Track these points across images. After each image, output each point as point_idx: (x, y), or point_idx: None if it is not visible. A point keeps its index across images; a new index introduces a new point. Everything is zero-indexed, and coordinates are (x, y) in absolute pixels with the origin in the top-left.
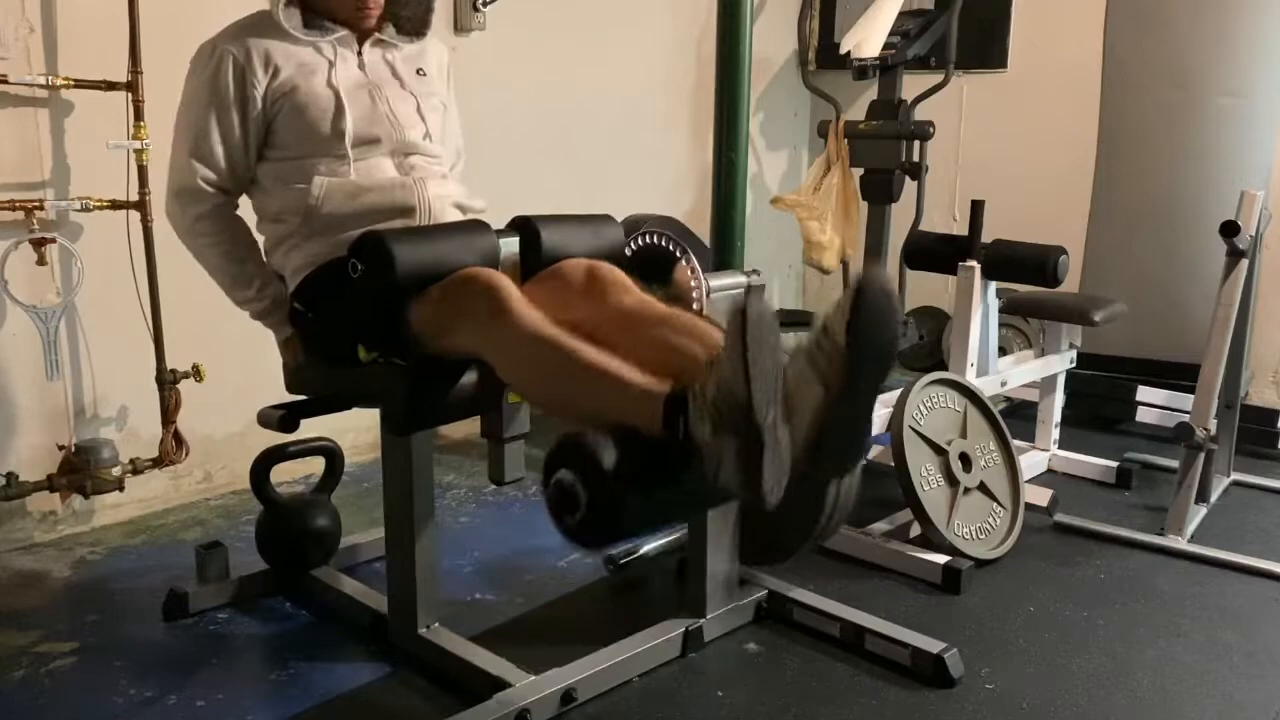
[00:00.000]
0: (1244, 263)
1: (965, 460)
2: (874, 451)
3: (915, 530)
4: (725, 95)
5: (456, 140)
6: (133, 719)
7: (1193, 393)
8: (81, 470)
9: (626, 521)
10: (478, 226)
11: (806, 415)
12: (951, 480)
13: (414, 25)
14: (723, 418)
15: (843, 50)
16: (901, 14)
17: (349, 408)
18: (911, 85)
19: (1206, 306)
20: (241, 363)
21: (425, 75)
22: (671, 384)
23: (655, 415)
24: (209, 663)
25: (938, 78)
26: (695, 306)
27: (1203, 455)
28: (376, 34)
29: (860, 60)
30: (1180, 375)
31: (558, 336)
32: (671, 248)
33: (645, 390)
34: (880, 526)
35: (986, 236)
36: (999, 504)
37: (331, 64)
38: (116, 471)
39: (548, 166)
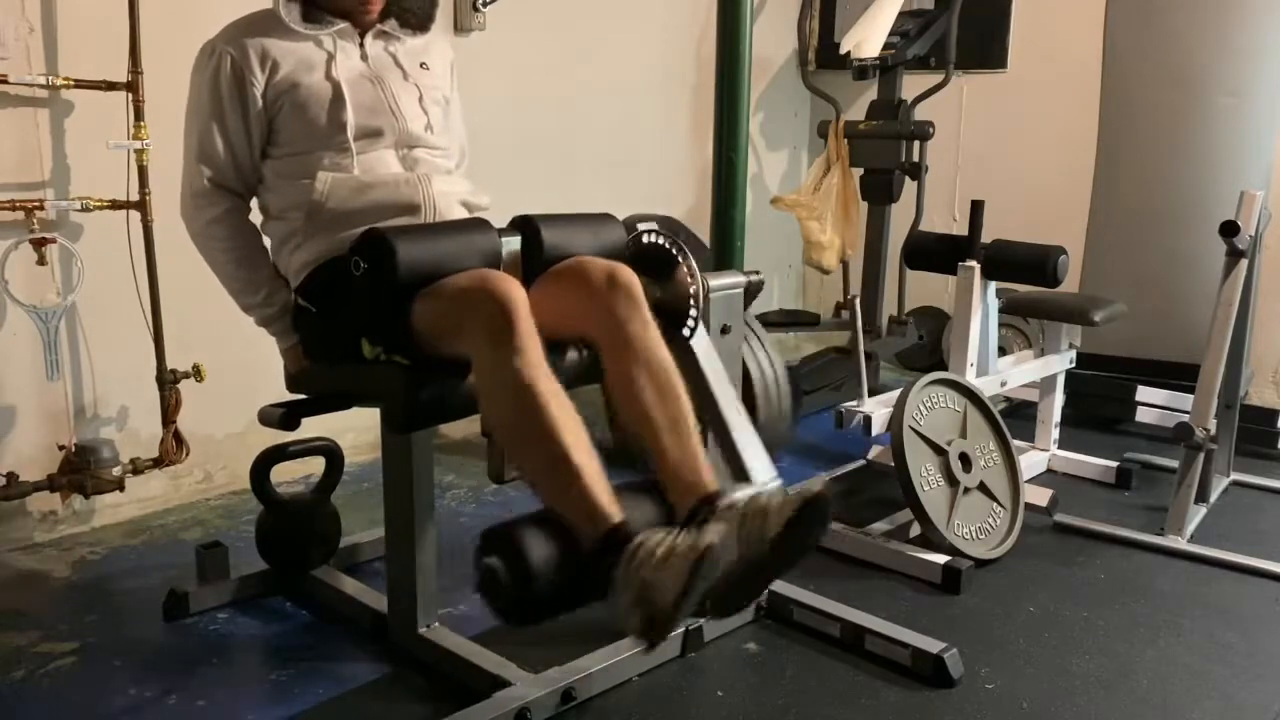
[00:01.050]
0: (1244, 263)
1: (965, 460)
2: (874, 451)
3: (915, 530)
4: (725, 95)
5: (460, 138)
6: (133, 719)
7: (1193, 393)
8: (81, 470)
9: (545, 614)
10: (480, 225)
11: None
12: (951, 480)
13: (418, 20)
14: (644, 602)
15: (843, 50)
16: (901, 14)
17: (349, 407)
18: (911, 85)
19: (1206, 306)
20: (241, 363)
21: (428, 69)
22: (621, 519)
23: (592, 537)
24: (209, 663)
25: (938, 78)
26: (691, 313)
27: (1202, 455)
28: (379, 26)
29: (860, 60)
30: (1180, 375)
31: (547, 400)
32: (670, 247)
33: (597, 510)
34: (880, 526)
35: (986, 236)
36: (999, 504)
37: (331, 56)
38: (117, 471)
39: (548, 166)
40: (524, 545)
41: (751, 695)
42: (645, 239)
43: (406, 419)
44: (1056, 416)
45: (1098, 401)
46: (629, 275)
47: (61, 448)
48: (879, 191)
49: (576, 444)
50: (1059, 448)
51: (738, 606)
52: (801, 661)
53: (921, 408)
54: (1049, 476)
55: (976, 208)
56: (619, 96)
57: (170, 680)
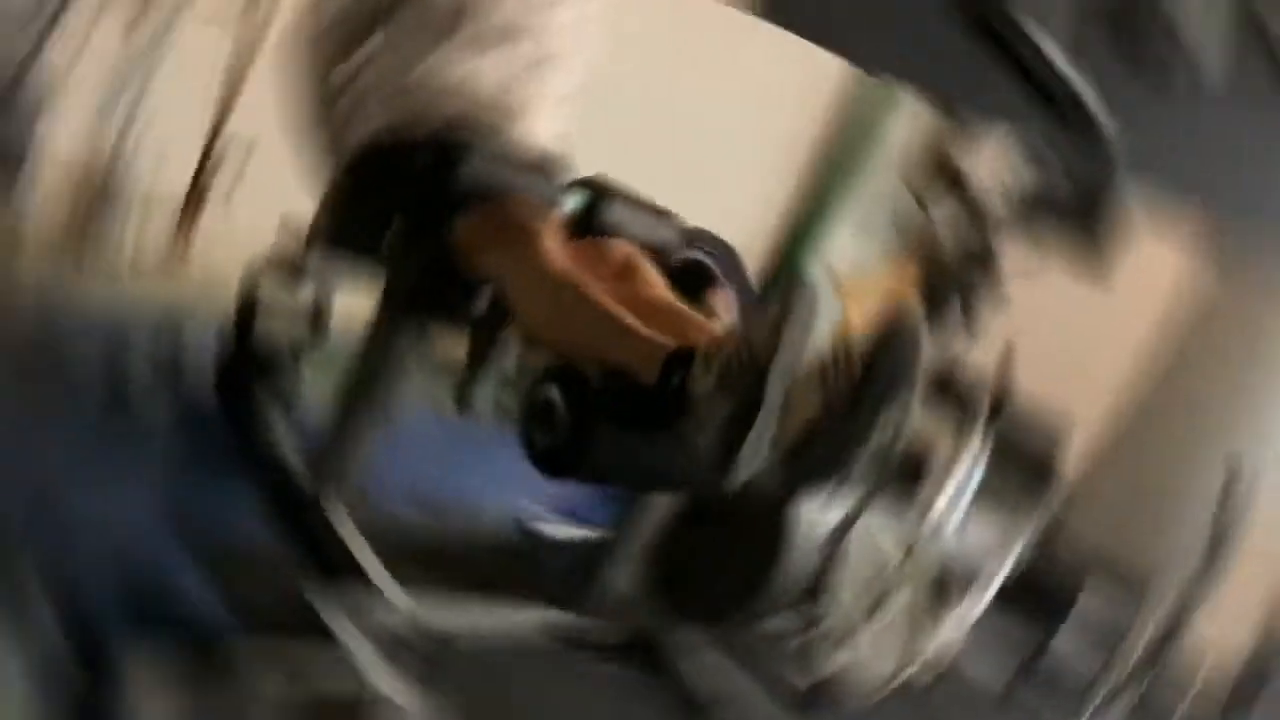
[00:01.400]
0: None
1: (878, 601)
2: None
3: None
4: (825, 171)
5: (574, 86)
6: None
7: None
8: (89, 243)
9: (595, 457)
10: (551, 165)
11: (796, 423)
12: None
13: None
14: (731, 373)
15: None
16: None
17: (361, 267)
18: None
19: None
20: (272, 188)
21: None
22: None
23: (655, 363)
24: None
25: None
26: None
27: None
28: None
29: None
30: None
31: (581, 279)
32: (717, 271)
33: (651, 339)
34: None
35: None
36: (900, 652)
37: None
38: (120, 253)
39: (620, 150)
40: (588, 377)
41: None
42: (691, 253)
43: (407, 301)
44: (990, 592)
45: (1036, 584)
46: (647, 262)
47: (75, 213)
48: (930, 321)
49: (617, 305)
50: (975, 621)
51: (826, 461)
52: None
53: (862, 535)
54: (959, 643)
55: (1003, 363)
56: (716, 116)
57: None
